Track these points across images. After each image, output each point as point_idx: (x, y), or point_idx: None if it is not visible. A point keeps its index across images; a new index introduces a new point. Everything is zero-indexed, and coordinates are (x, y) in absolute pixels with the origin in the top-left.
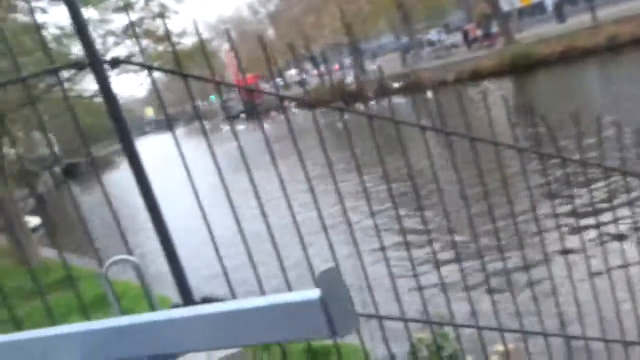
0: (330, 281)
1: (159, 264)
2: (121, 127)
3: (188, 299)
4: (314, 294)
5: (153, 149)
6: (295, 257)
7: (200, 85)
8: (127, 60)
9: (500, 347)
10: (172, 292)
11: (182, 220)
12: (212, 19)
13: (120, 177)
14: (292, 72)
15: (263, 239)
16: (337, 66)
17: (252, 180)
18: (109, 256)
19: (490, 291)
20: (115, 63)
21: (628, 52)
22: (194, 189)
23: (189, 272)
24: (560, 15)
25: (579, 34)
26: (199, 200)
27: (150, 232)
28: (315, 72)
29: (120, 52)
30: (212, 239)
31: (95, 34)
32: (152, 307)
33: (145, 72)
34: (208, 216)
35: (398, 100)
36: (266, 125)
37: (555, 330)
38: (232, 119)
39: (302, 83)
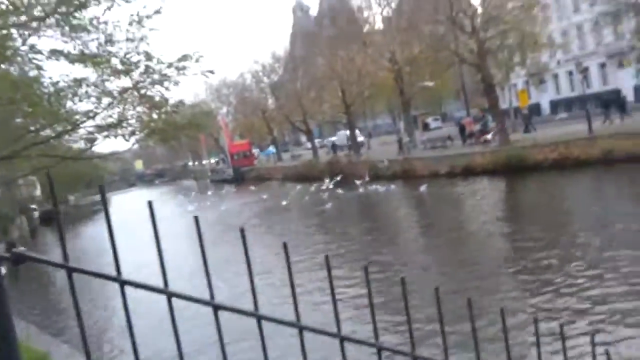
0: None
1: None
2: None
3: None
4: None
5: (134, 203)
6: None
7: (193, 144)
8: (34, 257)
9: None
10: None
11: None
12: (215, 81)
13: (96, 232)
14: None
15: None
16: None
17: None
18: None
19: None
20: (18, 260)
21: (621, 168)
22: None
23: None
24: (527, 125)
25: (574, 143)
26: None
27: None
28: (309, 145)
29: (112, 114)
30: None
31: (92, 92)
32: None
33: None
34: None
35: (380, 187)
36: (254, 195)
37: None
38: (221, 181)
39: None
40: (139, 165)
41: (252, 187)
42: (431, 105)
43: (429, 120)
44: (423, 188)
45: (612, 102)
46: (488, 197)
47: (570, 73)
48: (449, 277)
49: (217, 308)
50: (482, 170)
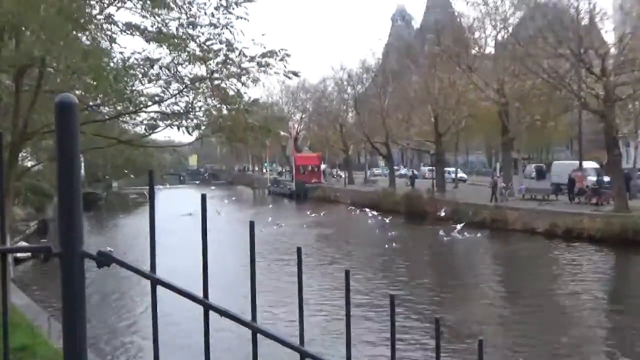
0: None
1: None
2: None
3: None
4: None
5: (183, 202)
6: None
7: (256, 148)
8: (121, 261)
9: None
10: None
11: None
12: (293, 83)
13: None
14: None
15: None
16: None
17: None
18: None
19: None
20: (103, 262)
21: None
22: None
23: None
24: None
25: None
26: None
27: None
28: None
29: (180, 102)
30: None
31: (163, 75)
32: None
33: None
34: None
35: (456, 234)
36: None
37: None
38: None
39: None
40: (193, 160)
41: (315, 208)
42: (537, 150)
43: (529, 168)
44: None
45: None
46: (593, 268)
47: None
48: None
49: (256, 332)
50: (588, 235)
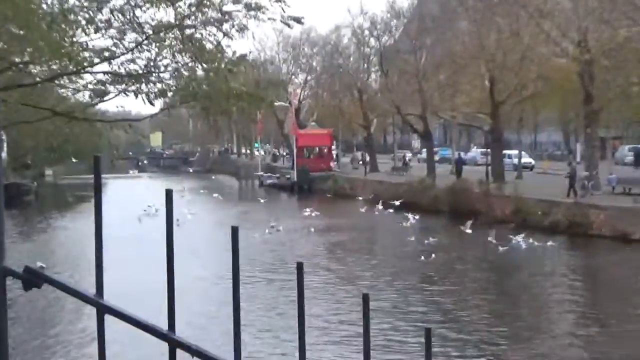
0: None
1: None
2: None
3: None
4: None
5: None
6: None
7: (242, 123)
8: (55, 281)
9: None
10: None
11: None
12: (295, 32)
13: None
14: None
15: None
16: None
17: None
18: None
19: None
20: (31, 283)
21: None
22: None
23: None
24: None
25: None
26: None
27: None
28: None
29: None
30: None
31: (115, 22)
32: None
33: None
34: None
35: (519, 240)
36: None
37: None
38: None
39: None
40: (156, 140)
41: (324, 205)
42: (633, 126)
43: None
44: None
45: None
46: None
47: None
48: None
49: None
50: None
